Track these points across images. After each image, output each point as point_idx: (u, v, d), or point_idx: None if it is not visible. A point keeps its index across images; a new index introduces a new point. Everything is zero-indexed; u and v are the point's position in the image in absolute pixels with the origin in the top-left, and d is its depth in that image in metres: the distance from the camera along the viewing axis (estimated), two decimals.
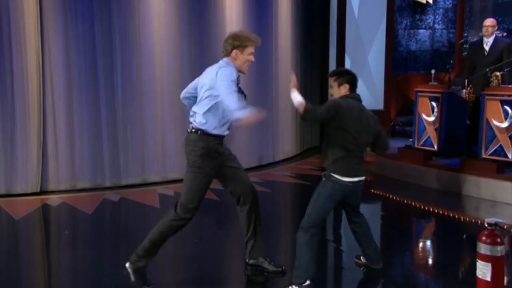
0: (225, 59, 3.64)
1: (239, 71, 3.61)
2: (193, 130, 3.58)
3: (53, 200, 6.00)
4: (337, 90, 3.63)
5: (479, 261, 3.05)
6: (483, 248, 3.02)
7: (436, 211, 5.67)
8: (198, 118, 3.56)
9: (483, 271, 3.02)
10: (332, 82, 3.67)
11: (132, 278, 3.68)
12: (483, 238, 3.02)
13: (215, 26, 7.08)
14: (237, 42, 3.59)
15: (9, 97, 6.04)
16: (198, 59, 6.96)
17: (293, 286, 3.48)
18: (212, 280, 4.02)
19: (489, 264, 2.99)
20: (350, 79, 3.64)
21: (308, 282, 3.47)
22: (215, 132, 3.58)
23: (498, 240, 3.00)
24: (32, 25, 6.03)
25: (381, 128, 3.79)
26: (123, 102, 6.52)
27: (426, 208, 5.79)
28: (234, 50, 3.60)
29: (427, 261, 4.59)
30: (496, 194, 5.85)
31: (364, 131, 3.59)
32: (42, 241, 5.12)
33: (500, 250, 3.00)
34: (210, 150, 3.57)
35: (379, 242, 5.11)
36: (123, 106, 6.51)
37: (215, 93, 3.50)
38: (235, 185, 3.76)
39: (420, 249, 4.89)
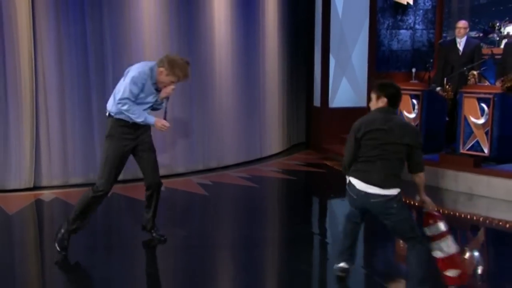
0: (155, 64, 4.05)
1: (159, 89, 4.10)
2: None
3: (46, 195, 5.96)
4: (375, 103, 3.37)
5: (432, 242, 3.25)
6: (429, 231, 3.26)
7: (416, 204, 5.72)
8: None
9: (439, 248, 3.23)
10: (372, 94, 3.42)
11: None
12: (427, 221, 3.26)
13: (204, 26, 7.06)
14: (168, 65, 4.00)
15: (2, 95, 5.98)
16: (187, 58, 6.93)
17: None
18: (202, 272, 4.03)
19: (444, 239, 3.21)
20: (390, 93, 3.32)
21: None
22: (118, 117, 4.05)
23: (437, 218, 3.28)
24: (25, 24, 5.96)
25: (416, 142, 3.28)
26: None
27: (407, 201, 5.82)
28: (161, 68, 4.02)
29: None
30: (472, 187, 5.93)
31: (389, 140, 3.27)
32: (36, 236, 5.11)
33: (441, 225, 3.26)
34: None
35: (363, 235, 5.17)
36: None
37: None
38: (146, 175, 4.26)
39: (401, 241, 4.94)
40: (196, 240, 4.61)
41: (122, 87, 3.97)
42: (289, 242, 4.70)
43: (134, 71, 3.98)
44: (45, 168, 6.25)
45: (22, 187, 6.09)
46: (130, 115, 3.96)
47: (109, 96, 6.38)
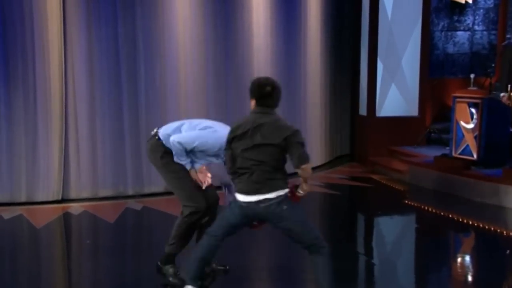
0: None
1: None
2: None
3: (75, 208, 6.09)
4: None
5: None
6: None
7: (475, 224, 5.56)
8: None
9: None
10: None
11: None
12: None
13: (242, 30, 7.11)
14: None
15: (31, 103, 6.18)
16: (223, 63, 7.01)
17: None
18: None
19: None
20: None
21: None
22: None
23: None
24: (56, 28, 6.16)
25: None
26: (146, 108, 6.59)
27: (465, 221, 5.68)
28: None
29: (466, 278, 4.50)
30: None
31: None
32: (63, 251, 5.20)
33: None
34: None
35: (413, 256, 5.07)
36: (147, 112, 6.57)
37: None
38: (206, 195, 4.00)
39: (458, 265, 4.81)
40: (231, 258, 4.60)
41: (191, 133, 3.81)
42: (332, 262, 4.63)
43: (213, 137, 3.77)
44: (74, 180, 6.40)
45: (50, 199, 6.25)
46: (174, 154, 3.83)
47: (141, 102, 6.61)
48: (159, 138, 3.92)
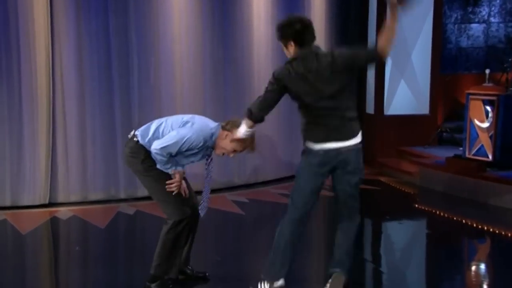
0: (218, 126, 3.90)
1: (214, 148, 3.94)
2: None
3: (63, 212, 6.08)
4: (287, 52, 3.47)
5: None
6: None
7: (491, 230, 5.57)
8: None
9: None
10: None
11: None
12: None
13: (241, 23, 7.11)
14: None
15: (16, 101, 6.17)
16: (221, 58, 7.00)
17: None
18: None
19: None
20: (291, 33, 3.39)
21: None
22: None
23: None
24: (42, 21, 6.15)
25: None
26: (139, 105, 6.58)
27: (479, 226, 5.69)
28: (226, 132, 3.88)
29: (481, 287, 4.49)
30: None
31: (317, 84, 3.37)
32: (51, 258, 5.19)
33: None
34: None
35: (424, 264, 5.06)
36: (140, 110, 6.57)
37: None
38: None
39: (472, 273, 4.81)
40: (231, 266, 4.59)
41: (171, 135, 3.77)
42: None
43: (192, 130, 3.78)
44: (62, 182, 6.39)
45: (37, 203, 6.24)
46: (158, 163, 3.82)
47: (134, 100, 6.61)
48: (138, 141, 3.88)
